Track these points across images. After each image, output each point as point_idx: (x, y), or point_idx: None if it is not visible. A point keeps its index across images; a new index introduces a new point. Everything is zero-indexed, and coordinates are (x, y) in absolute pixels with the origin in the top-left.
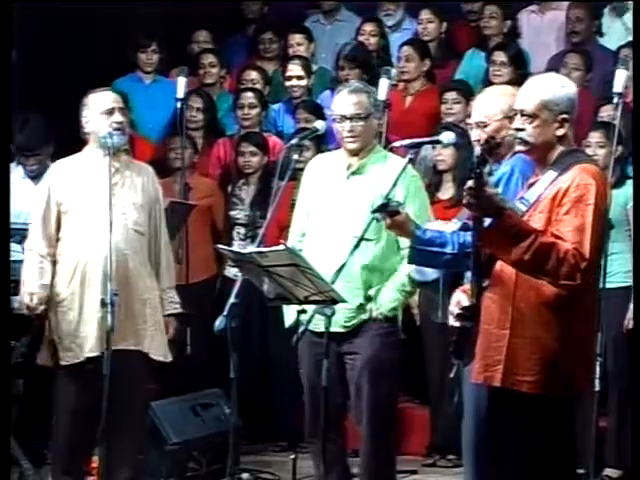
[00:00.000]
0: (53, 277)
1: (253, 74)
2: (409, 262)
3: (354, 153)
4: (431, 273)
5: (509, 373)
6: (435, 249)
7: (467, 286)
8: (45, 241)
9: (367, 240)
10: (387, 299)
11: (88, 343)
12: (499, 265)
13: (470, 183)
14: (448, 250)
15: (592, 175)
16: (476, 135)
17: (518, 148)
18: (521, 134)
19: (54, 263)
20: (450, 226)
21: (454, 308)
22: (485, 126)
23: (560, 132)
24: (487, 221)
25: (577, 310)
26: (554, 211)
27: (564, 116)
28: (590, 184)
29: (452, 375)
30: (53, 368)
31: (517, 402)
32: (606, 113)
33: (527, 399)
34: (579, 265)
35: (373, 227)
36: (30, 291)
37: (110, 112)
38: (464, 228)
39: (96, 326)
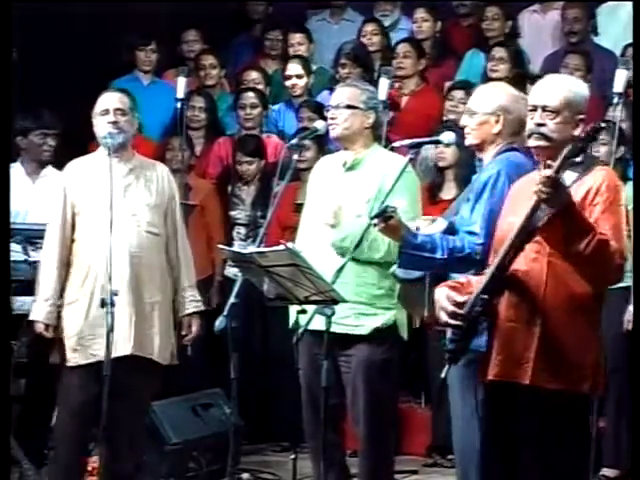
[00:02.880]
0: (66, 280)
1: (254, 74)
2: (398, 266)
3: (346, 148)
4: (416, 271)
5: (539, 370)
6: (425, 254)
7: (450, 282)
8: (62, 244)
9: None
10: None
11: (97, 345)
12: (526, 263)
13: (550, 173)
14: (438, 255)
15: (616, 177)
16: (464, 121)
17: (537, 143)
18: (542, 129)
19: (68, 266)
20: (437, 225)
21: (448, 305)
22: (472, 115)
23: (576, 132)
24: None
25: (597, 307)
26: (587, 209)
27: (581, 117)
28: (619, 186)
29: (444, 375)
30: (60, 367)
31: (543, 399)
32: (612, 114)
33: (553, 395)
34: (623, 264)
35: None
36: (44, 321)
37: (105, 113)
38: (450, 228)
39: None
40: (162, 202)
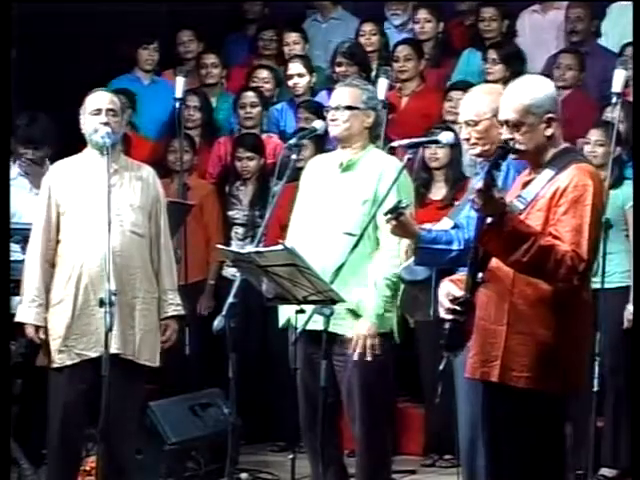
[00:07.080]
0: (51, 280)
1: (264, 72)
2: (415, 262)
3: (344, 147)
4: (421, 272)
5: (506, 369)
6: (442, 247)
7: (456, 276)
8: (47, 244)
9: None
10: (371, 308)
11: (82, 345)
12: (496, 261)
13: (480, 185)
14: (455, 247)
15: (589, 175)
16: (465, 134)
17: (513, 156)
18: (511, 144)
19: (53, 266)
20: (444, 224)
21: (444, 299)
22: (475, 124)
23: (549, 132)
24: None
25: (572, 307)
26: (552, 210)
27: (549, 115)
28: (588, 184)
29: (442, 367)
30: (48, 369)
31: (512, 397)
32: (610, 114)
33: (522, 394)
34: (577, 267)
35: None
36: (33, 322)
37: (97, 113)
38: (455, 228)
39: (93, 328)
40: (147, 203)
